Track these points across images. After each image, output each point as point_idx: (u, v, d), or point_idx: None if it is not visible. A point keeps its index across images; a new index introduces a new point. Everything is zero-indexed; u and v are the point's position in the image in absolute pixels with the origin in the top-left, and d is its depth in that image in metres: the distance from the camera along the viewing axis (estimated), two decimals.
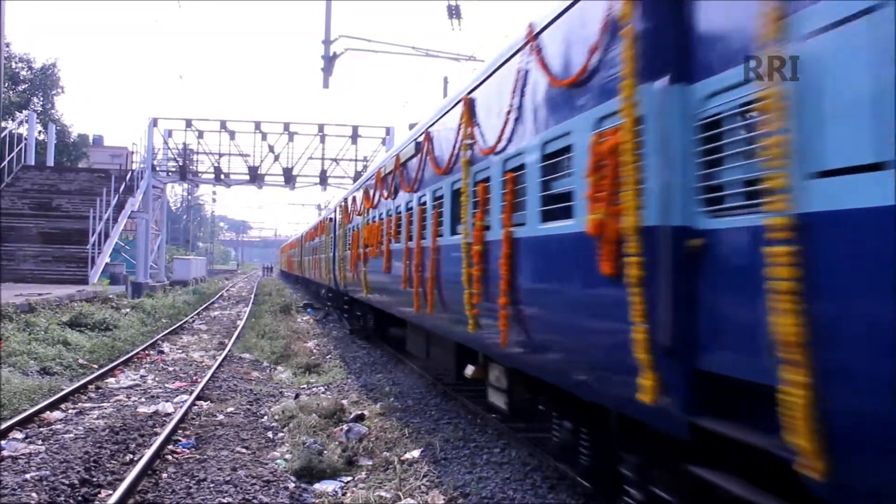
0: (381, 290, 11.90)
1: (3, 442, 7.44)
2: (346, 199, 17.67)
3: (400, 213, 10.10)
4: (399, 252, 9.80)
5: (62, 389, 10.21)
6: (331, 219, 21.16)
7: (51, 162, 36.56)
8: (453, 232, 7.23)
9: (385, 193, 11.42)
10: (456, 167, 7.07)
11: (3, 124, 31.91)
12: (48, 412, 8.94)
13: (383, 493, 6.25)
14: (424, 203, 8.52)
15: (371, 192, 13.11)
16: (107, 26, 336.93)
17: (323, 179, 35.30)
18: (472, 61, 19.27)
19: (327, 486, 6.55)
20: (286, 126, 35.12)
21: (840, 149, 2.43)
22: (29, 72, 46.91)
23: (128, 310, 21.34)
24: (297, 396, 10.34)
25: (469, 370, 7.41)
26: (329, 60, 17.96)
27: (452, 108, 7.53)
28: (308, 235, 31.75)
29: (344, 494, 6.37)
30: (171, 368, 13.26)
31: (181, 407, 9.36)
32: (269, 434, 8.48)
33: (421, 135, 8.92)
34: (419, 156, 8.89)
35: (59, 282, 23.03)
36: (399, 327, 12.69)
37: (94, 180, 31.50)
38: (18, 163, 31.82)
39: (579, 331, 4.44)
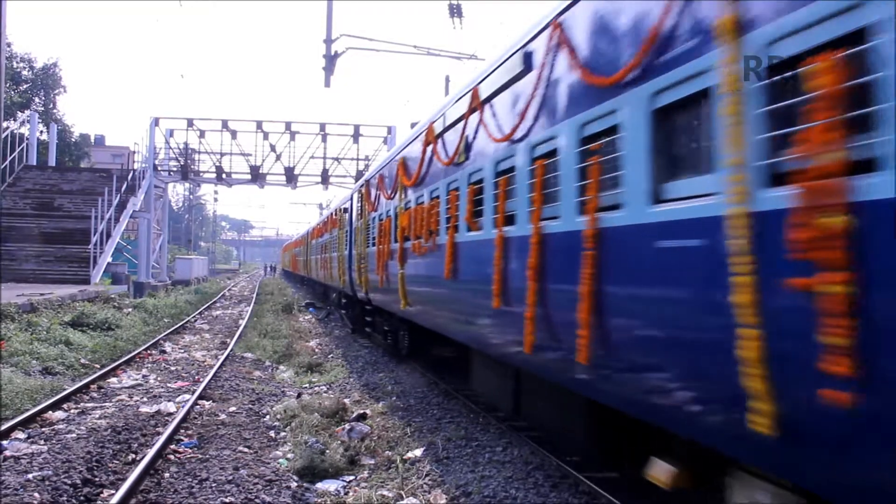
0: (437, 305, 8.49)
1: (5, 442, 7.45)
2: (367, 182, 14.05)
3: (481, 182, 6.50)
4: (481, 246, 6.34)
5: (64, 389, 10.22)
6: (345, 209, 17.65)
7: (52, 162, 36.60)
8: (655, 198, 3.71)
9: (445, 157, 7.64)
10: (668, 56, 3.53)
11: (4, 124, 31.90)
12: (50, 412, 8.95)
13: (385, 493, 6.24)
14: (553, 153, 4.94)
15: (412, 164, 9.38)
16: (108, 26, 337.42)
17: (325, 178, 35.41)
18: (474, 60, 19.25)
19: (329, 486, 6.55)
20: (288, 125, 35.23)
21: None
22: (30, 71, 47.05)
23: (130, 309, 21.38)
24: (299, 396, 10.34)
25: (662, 471, 4.17)
26: (331, 59, 17.93)
27: None
28: (315, 231, 28.42)
29: (346, 494, 6.37)
30: (173, 368, 13.27)
31: (183, 406, 9.36)
32: (272, 433, 8.48)
33: (535, 37, 5.29)
34: (534, 74, 5.25)
35: (61, 282, 23.05)
36: (447, 346, 9.55)
37: (95, 180, 31.54)
38: (20, 163, 31.85)
39: None
